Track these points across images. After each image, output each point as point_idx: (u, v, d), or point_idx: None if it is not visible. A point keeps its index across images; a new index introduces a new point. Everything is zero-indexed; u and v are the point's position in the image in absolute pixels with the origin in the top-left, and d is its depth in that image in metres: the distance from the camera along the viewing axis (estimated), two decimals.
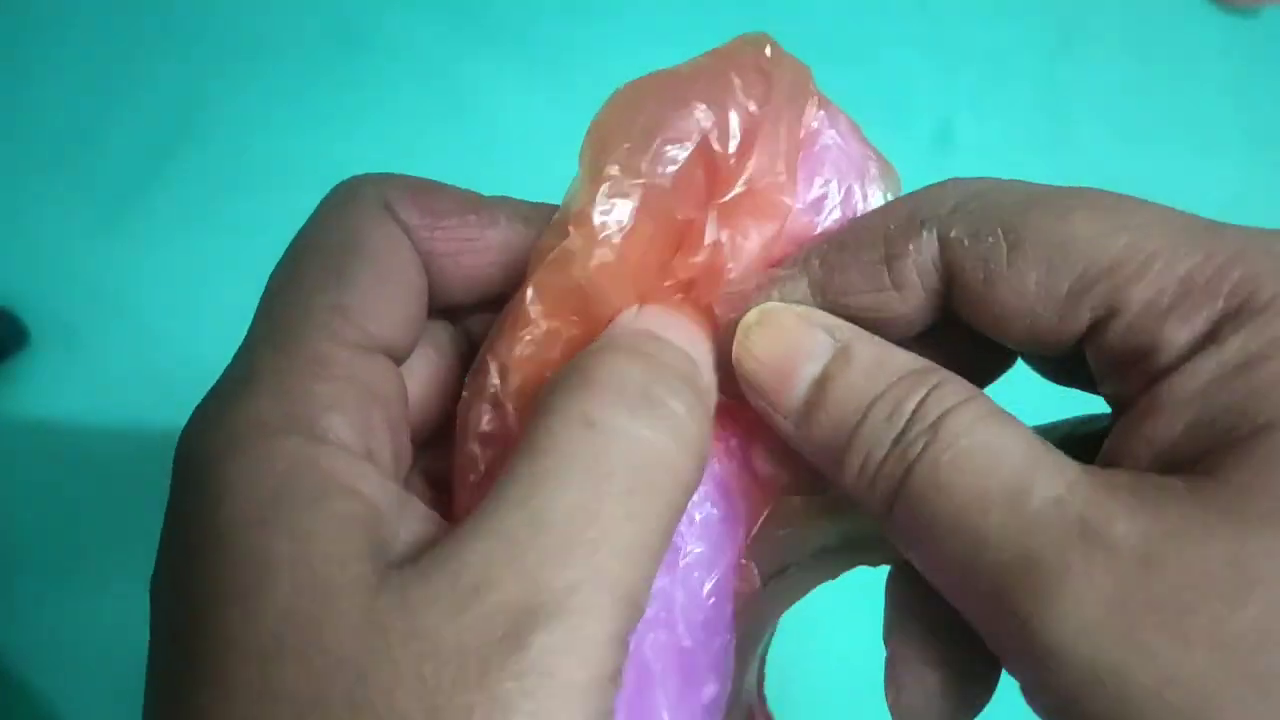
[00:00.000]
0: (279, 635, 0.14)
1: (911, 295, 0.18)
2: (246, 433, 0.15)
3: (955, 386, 0.17)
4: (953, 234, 0.17)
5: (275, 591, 0.14)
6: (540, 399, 0.16)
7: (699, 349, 0.18)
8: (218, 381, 0.17)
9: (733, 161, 0.18)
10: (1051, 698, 0.15)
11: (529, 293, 0.18)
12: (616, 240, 0.17)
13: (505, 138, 0.53)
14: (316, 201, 0.19)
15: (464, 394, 0.18)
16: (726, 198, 0.18)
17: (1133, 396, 0.16)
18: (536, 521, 0.14)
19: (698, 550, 0.19)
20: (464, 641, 0.13)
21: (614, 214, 0.17)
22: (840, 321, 0.18)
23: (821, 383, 0.17)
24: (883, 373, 0.17)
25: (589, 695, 0.14)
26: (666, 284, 0.19)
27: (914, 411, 0.16)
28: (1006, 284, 0.17)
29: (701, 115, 0.18)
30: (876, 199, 0.20)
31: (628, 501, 0.15)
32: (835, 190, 0.19)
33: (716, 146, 0.18)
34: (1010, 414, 0.16)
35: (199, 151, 0.50)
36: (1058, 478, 0.15)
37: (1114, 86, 0.63)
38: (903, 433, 0.16)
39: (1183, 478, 0.15)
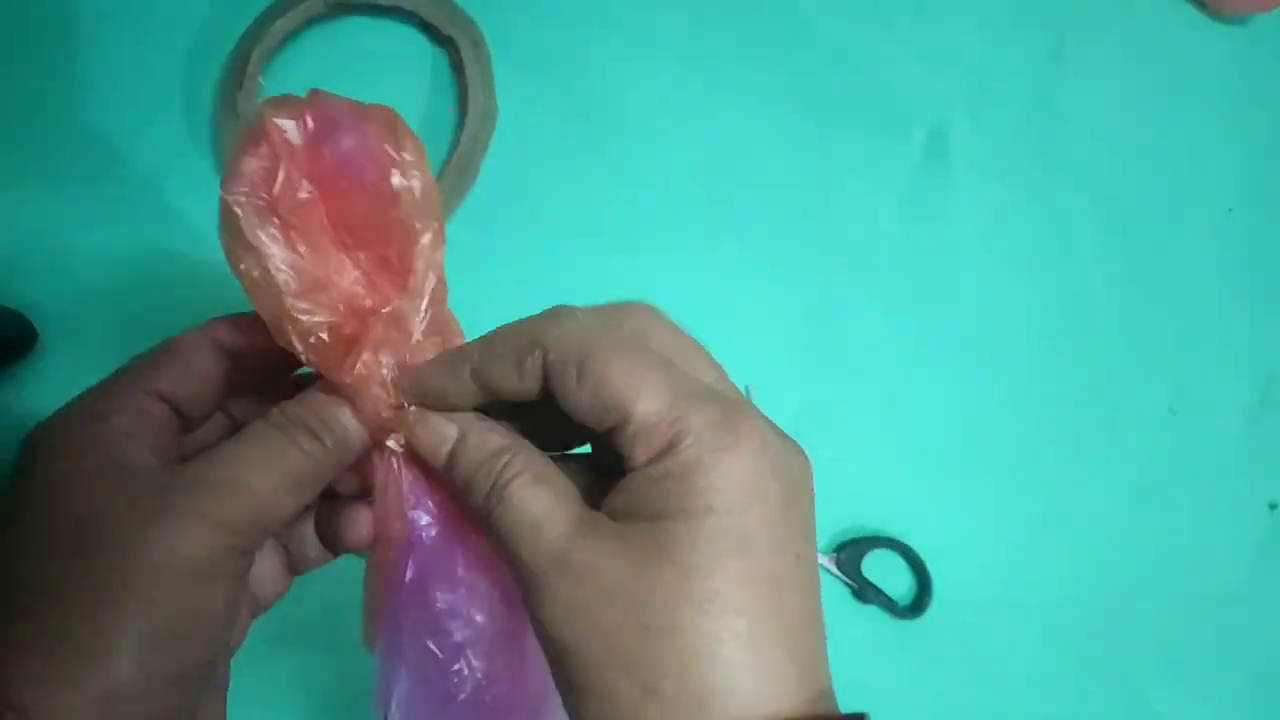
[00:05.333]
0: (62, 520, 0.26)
1: (529, 384, 0.28)
2: (68, 423, 0.29)
3: (520, 459, 0.28)
4: (550, 357, 0.28)
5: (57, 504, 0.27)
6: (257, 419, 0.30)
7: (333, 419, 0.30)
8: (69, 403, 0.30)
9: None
10: (543, 649, 0.27)
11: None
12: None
13: (509, 143, 0.54)
14: None
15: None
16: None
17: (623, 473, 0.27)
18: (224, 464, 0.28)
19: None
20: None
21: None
22: (462, 417, 0.30)
23: (452, 453, 0.29)
24: (483, 450, 0.29)
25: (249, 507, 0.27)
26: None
27: (498, 473, 0.28)
28: (573, 398, 0.27)
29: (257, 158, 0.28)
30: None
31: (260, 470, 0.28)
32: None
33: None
34: (554, 474, 0.28)
35: (210, 155, 0.51)
36: (560, 524, 0.27)
37: (1106, 94, 0.64)
38: (492, 486, 0.28)
39: (630, 526, 0.26)
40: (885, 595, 0.54)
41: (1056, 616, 0.56)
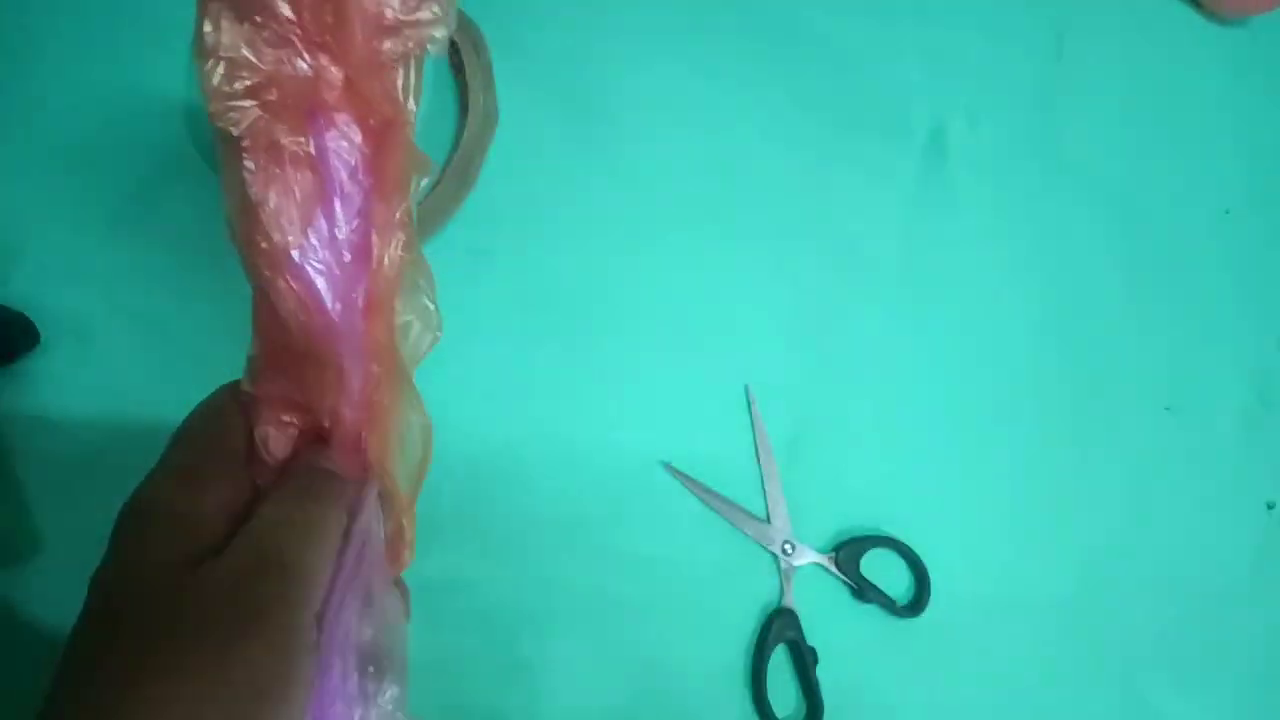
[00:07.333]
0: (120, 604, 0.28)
1: None
2: (146, 507, 0.30)
3: None
4: None
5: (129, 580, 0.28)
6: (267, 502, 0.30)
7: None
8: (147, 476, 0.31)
9: None
10: None
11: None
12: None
13: (509, 144, 0.54)
14: None
15: None
16: None
17: None
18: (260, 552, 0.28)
19: None
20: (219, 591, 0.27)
21: None
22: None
23: None
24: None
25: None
26: None
27: None
28: None
29: None
30: None
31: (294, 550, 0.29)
32: None
33: None
34: None
35: (209, 155, 0.51)
36: None
37: (1106, 94, 0.64)
38: None
39: None
40: (884, 594, 0.54)
41: (1055, 615, 0.57)
